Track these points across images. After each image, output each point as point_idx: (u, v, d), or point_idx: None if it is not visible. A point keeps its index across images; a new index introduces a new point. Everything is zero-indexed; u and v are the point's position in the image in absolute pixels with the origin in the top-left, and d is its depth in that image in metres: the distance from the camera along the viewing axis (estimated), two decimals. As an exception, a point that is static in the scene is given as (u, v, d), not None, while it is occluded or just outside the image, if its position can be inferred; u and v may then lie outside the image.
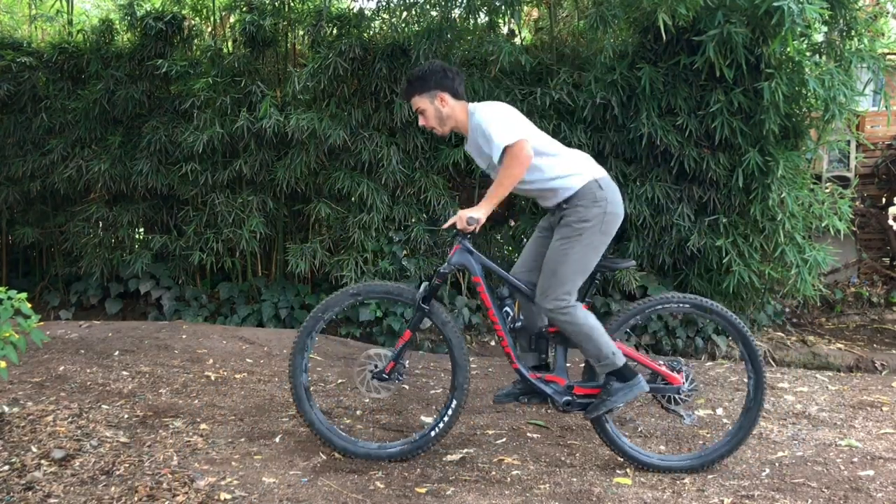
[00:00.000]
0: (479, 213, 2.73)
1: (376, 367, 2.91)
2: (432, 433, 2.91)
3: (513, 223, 5.42)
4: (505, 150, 2.69)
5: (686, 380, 2.86)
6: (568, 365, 2.93)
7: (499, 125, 2.74)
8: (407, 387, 3.94)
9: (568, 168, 2.79)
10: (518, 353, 2.90)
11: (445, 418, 2.91)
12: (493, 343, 5.16)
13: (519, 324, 2.91)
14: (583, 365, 2.94)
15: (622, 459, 2.92)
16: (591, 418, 2.86)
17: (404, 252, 5.24)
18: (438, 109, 2.86)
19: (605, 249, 2.81)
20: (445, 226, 2.92)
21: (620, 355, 2.78)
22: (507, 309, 2.90)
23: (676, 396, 2.86)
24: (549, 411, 3.56)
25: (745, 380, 2.91)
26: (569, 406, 2.85)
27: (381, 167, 5.09)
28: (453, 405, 2.91)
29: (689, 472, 2.87)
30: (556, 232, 2.81)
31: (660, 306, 2.92)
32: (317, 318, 2.94)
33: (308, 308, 5.39)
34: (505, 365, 4.40)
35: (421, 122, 2.93)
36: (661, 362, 2.90)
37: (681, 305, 2.91)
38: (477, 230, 2.79)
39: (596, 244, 2.76)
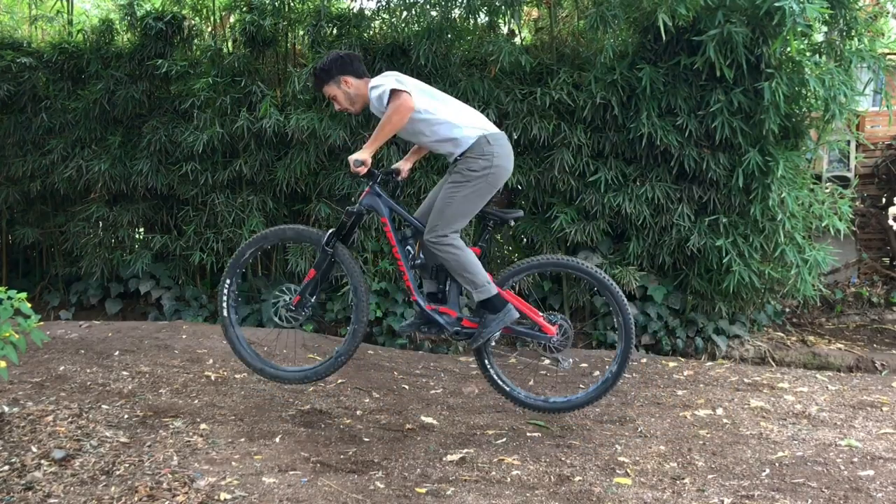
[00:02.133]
0: (364, 155, 3.06)
1: (287, 300, 3.30)
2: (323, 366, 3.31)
3: (513, 223, 5.39)
4: (389, 99, 3.00)
5: (559, 332, 3.25)
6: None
7: (383, 82, 3.05)
8: (407, 387, 3.94)
9: (458, 127, 3.13)
10: (418, 287, 3.26)
11: (343, 345, 3.30)
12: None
13: (419, 261, 3.28)
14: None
15: (496, 392, 3.37)
16: (473, 348, 3.25)
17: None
18: (346, 92, 3.22)
19: (489, 197, 3.18)
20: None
21: (493, 286, 3.15)
22: (409, 248, 3.28)
23: (549, 344, 3.25)
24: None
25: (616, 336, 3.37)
26: (457, 335, 3.22)
27: (380, 167, 5.08)
28: (350, 330, 3.27)
29: (550, 412, 3.37)
30: (449, 178, 3.18)
31: (540, 267, 3.39)
32: (236, 264, 3.35)
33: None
34: (507, 366, 4.41)
35: (336, 107, 3.29)
36: (542, 315, 3.28)
37: (557, 267, 3.40)
38: (363, 172, 3.08)
39: (481, 192, 3.13)
